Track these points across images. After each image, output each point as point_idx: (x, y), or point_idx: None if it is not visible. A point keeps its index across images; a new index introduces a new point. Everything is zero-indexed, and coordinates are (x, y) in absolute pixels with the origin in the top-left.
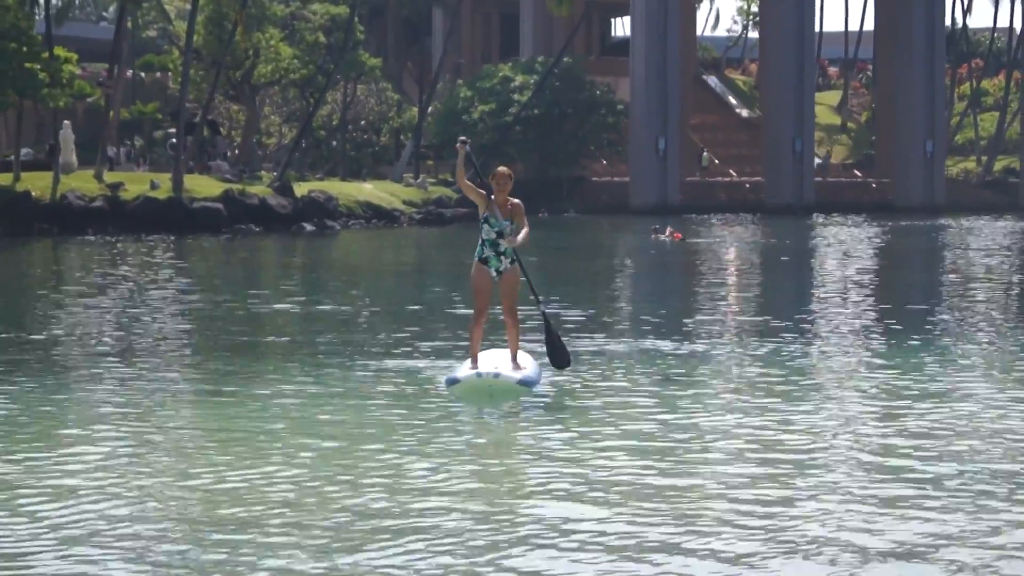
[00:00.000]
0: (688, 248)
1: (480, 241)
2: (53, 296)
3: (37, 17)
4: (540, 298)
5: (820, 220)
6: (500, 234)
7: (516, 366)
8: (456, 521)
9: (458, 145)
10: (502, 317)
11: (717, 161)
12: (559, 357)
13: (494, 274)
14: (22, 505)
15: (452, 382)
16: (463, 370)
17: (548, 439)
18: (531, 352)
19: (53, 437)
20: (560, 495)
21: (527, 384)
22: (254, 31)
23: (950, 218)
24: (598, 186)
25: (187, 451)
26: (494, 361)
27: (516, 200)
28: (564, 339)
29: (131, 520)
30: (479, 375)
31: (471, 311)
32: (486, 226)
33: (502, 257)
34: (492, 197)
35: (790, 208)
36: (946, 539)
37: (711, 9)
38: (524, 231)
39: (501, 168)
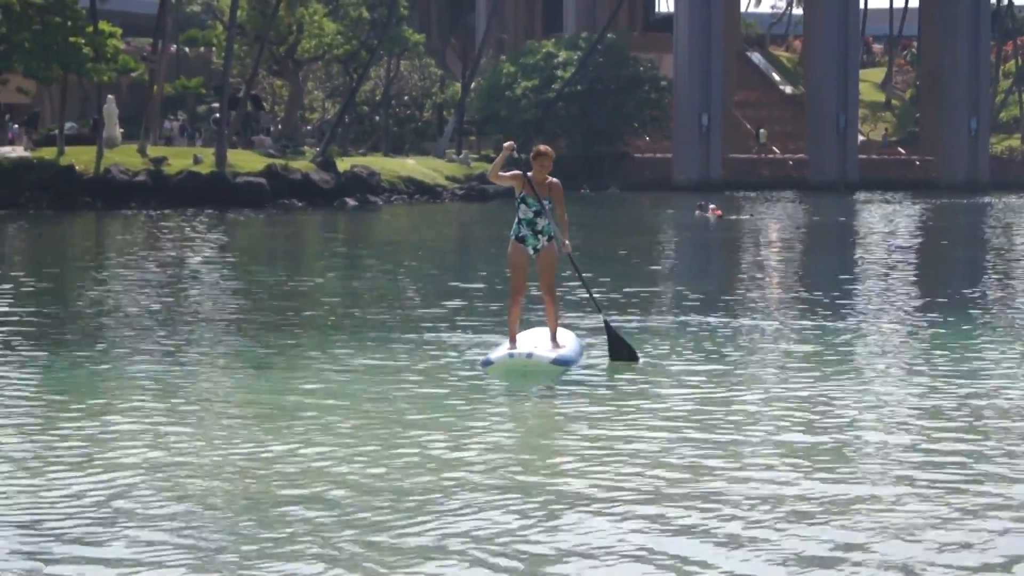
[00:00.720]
0: (729, 225)
1: (517, 220)
2: (95, 270)
3: None
4: (597, 300)
5: (863, 197)
6: (538, 213)
7: (555, 345)
8: (489, 496)
9: (506, 146)
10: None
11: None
12: (626, 352)
13: (531, 252)
14: (62, 477)
15: (487, 363)
16: (498, 351)
17: (590, 417)
18: (574, 330)
19: (95, 409)
20: (597, 473)
21: (563, 363)
22: (298, 6)
23: (994, 196)
24: (641, 162)
25: (224, 424)
26: (533, 341)
27: (555, 180)
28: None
29: (171, 491)
30: (511, 355)
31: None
32: (523, 206)
33: (539, 236)
34: (530, 175)
35: (833, 185)
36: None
37: None
38: (567, 241)
39: (542, 146)
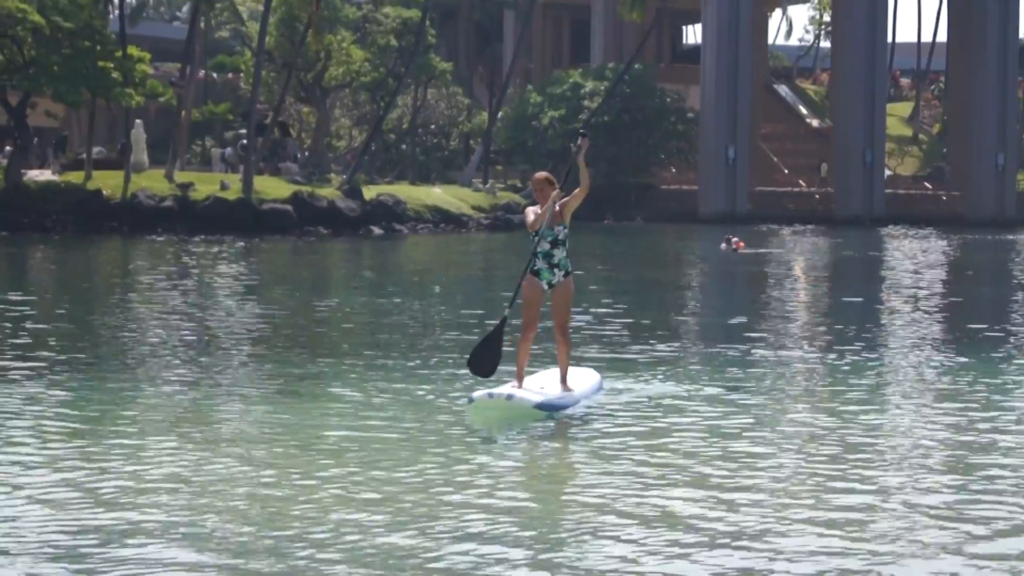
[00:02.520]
0: (752, 258)
1: (532, 253)
2: (120, 294)
3: (111, 16)
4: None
5: (889, 232)
6: (554, 243)
7: (564, 387)
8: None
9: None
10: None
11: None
12: (486, 361)
13: (545, 287)
14: (88, 500)
15: (469, 401)
16: (496, 390)
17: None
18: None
19: (120, 432)
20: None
21: (548, 408)
22: (326, 33)
23: (1021, 232)
24: (666, 194)
25: (244, 450)
26: (545, 381)
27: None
28: (618, 347)
29: (189, 512)
30: (490, 395)
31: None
32: (538, 239)
33: (555, 270)
34: (539, 208)
35: (859, 219)
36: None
37: (783, 18)
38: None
39: (539, 173)
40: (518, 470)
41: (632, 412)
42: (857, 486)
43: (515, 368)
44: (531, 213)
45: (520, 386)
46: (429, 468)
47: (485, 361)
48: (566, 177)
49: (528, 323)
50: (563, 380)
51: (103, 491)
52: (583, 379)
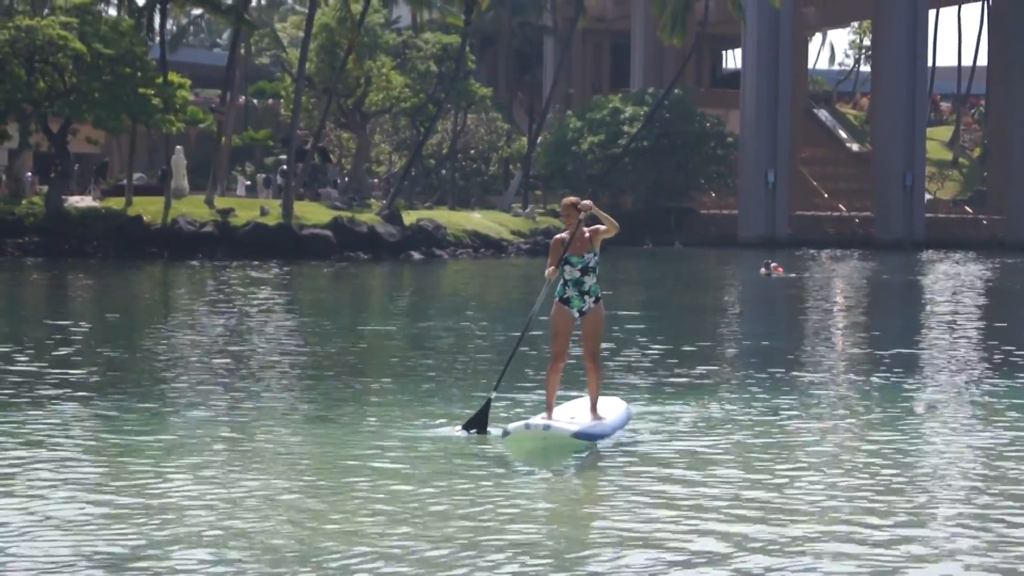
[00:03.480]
0: (791, 282)
1: (562, 281)
2: (161, 319)
3: (152, 43)
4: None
5: (930, 256)
6: (584, 270)
7: (595, 416)
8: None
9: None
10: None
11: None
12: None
13: (576, 315)
14: (120, 523)
15: (505, 434)
16: (521, 421)
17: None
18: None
19: (159, 456)
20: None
21: (586, 437)
22: (366, 59)
23: None
24: (706, 218)
25: (280, 472)
26: (575, 411)
27: (591, 227)
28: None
29: (219, 534)
30: (527, 426)
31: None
32: (567, 267)
33: (586, 297)
34: (564, 236)
35: (899, 243)
36: None
37: (823, 42)
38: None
39: (566, 199)
40: (552, 498)
41: (667, 437)
42: (894, 511)
43: (545, 398)
44: (553, 251)
45: (550, 417)
46: (473, 491)
47: (472, 425)
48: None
49: (558, 353)
50: (593, 408)
51: (138, 509)
52: (612, 408)
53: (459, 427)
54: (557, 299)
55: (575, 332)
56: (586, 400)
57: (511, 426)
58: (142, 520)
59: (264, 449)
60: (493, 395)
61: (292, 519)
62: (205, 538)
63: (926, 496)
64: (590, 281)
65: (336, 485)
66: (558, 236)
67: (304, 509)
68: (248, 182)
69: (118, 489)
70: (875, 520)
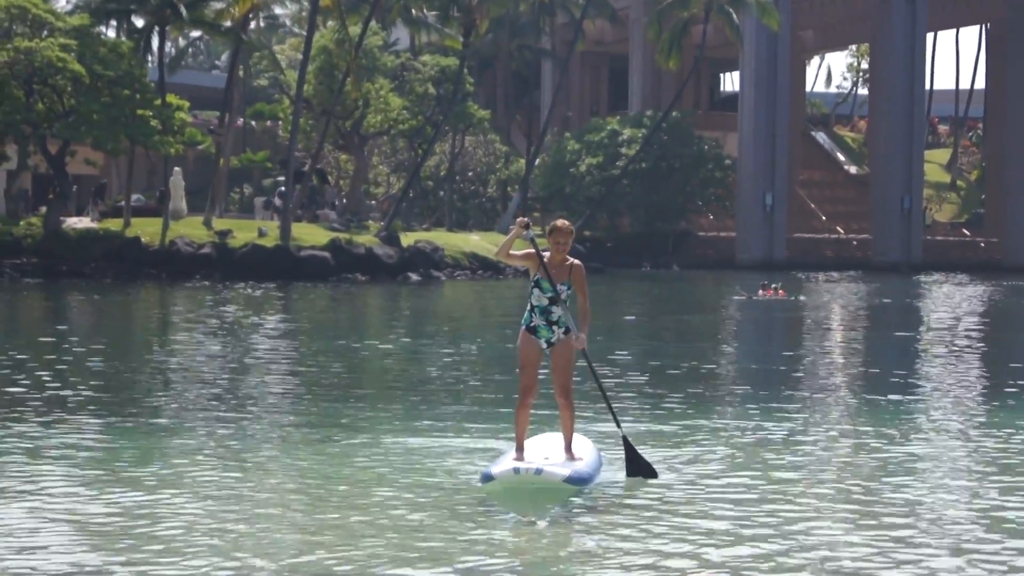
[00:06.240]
0: (787, 305)
1: (529, 307)
2: (159, 340)
3: (150, 65)
4: (614, 410)
5: (927, 279)
6: (554, 300)
7: (570, 456)
8: None
9: (518, 222)
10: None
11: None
12: (644, 469)
13: (544, 346)
14: (116, 546)
15: (487, 478)
16: (502, 463)
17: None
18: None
19: (156, 477)
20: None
21: (578, 481)
22: (364, 81)
23: None
24: (704, 241)
25: (276, 497)
26: (543, 449)
27: (577, 262)
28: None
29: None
30: (516, 471)
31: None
32: (537, 290)
33: (554, 327)
34: (545, 255)
35: (897, 266)
36: None
37: (821, 65)
38: (584, 334)
39: (559, 221)
40: (547, 540)
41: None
42: (896, 543)
43: (514, 437)
44: (513, 253)
45: (521, 457)
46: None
47: (640, 467)
48: None
49: (526, 388)
50: (567, 448)
51: (129, 530)
52: (582, 447)
53: (624, 476)
54: (523, 327)
55: (543, 364)
56: (555, 436)
57: (495, 470)
58: (132, 543)
59: (259, 470)
60: (622, 431)
61: (285, 540)
62: (199, 559)
63: (931, 518)
64: (558, 312)
65: (334, 505)
66: (540, 251)
67: (295, 526)
68: (264, 202)
69: (106, 516)
70: (884, 549)
